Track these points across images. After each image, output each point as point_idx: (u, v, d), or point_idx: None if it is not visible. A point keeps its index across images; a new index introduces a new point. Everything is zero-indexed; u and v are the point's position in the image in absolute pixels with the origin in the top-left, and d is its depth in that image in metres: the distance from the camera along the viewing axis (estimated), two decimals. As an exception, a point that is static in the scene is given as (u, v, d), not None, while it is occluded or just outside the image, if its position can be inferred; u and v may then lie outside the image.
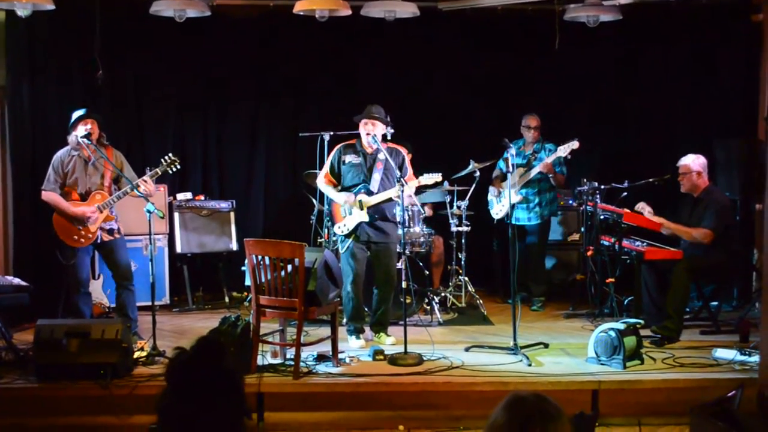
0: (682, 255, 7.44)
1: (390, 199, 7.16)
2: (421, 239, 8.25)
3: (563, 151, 8.46)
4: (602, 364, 6.44)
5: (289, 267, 6.24)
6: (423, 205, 8.48)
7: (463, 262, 8.75)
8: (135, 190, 7.00)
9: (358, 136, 7.33)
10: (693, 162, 7.59)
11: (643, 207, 7.75)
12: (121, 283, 7.30)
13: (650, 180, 8.12)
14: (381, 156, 7.19)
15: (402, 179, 6.87)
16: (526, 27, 9.40)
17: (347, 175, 7.30)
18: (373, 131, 7.15)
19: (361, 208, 7.15)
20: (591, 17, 8.47)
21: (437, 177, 7.24)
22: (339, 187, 7.34)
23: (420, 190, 7.81)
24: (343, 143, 7.46)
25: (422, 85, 9.73)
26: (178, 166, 7.32)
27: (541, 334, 7.56)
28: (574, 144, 8.41)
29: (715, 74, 9.31)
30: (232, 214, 9.30)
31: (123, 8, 8.69)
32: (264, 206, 9.84)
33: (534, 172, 8.59)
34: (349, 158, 7.30)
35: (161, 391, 2.61)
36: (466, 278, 8.77)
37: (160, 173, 7.24)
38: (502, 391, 5.80)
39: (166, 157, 7.25)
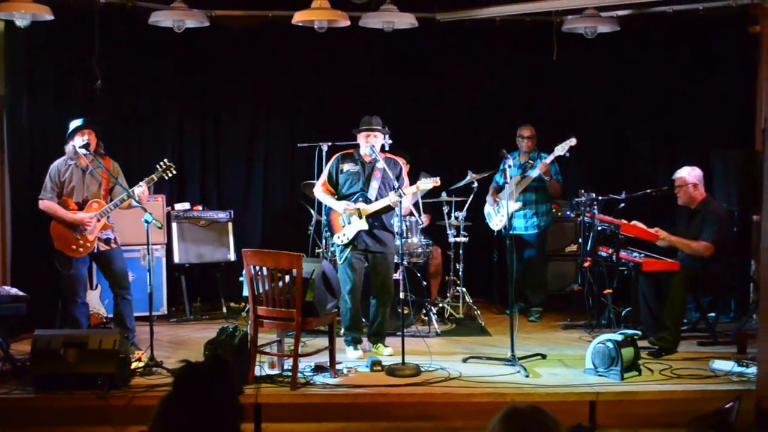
0: (680, 266, 7.43)
1: (388, 208, 7.16)
2: (419, 250, 8.24)
3: (561, 149, 8.48)
4: (600, 375, 6.43)
5: (287, 277, 6.23)
6: (420, 215, 8.48)
7: (460, 273, 8.75)
8: (132, 199, 7.00)
9: (356, 145, 7.34)
10: (688, 174, 7.60)
11: (635, 224, 7.76)
12: (118, 293, 7.30)
13: (648, 191, 8.13)
14: (379, 165, 7.19)
15: (400, 189, 6.89)
16: (525, 38, 9.43)
17: (345, 184, 7.31)
18: (374, 142, 7.17)
19: (360, 217, 7.15)
20: (589, 28, 8.51)
21: (435, 181, 7.23)
22: (336, 196, 7.35)
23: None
24: (341, 152, 7.46)
25: (420, 96, 9.76)
26: (174, 172, 7.30)
27: (539, 345, 7.55)
28: (572, 141, 8.44)
29: (712, 85, 9.32)
30: (230, 225, 9.30)
31: (122, 18, 8.72)
32: (262, 217, 9.85)
33: (533, 174, 8.60)
34: (347, 167, 7.31)
35: (164, 397, 2.63)
36: (464, 289, 8.77)
37: (156, 179, 7.24)
38: (499, 402, 5.82)
39: (162, 163, 7.24)
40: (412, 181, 7.35)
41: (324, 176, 7.44)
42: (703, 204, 7.58)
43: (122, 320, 7.24)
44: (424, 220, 8.80)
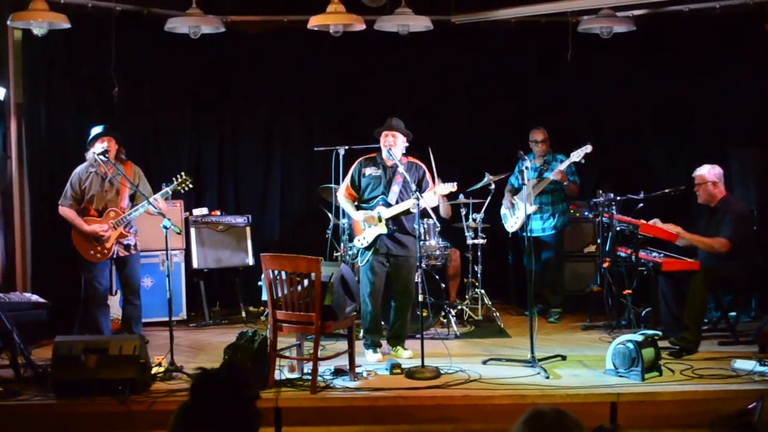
0: (700, 266, 7.40)
1: (408, 212, 7.15)
2: (437, 252, 8.23)
3: (577, 155, 8.45)
4: (620, 376, 6.40)
5: (306, 281, 6.24)
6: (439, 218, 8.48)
7: (479, 275, 8.74)
8: (151, 206, 7.04)
9: (378, 149, 7.33)
10: (708, 172, 7.56)
11: (655, 222, 7.73)
12: (128, 297, 7.41)
13: (666, 191, 8.09)
14: (401, 169, 7.18)
15: (417, 192, 6.86)
16: (540, 39, 9.41)
17: (367, 188, 7.31)
18: (393, 143, 7.16)
19: (380, 221, 7.15)
20: (605, 29, 8.49)
21: (452, 186, 7.22)
22: (358, 201, 7.35)
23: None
24: (364, 156, 7.47)
25: (436, 98, 9.75)
26: (190, 185, 7.37)
27: (559, 346, 7.53)
28: (587, 148, 8.40)
29: (729, 83, 9.27)
30: (248, 229, 9.33)
31: (138, 25, 8.77)
32: (280, 221, 9.87)
33: (550, 177, 8.57)
34: (370, 171, 7.32)
35: (181, 405, 2.65)
36: (483, 291, 8.76)
37: (171, 192, 7.30)
38: (520, 404, 5.83)
39: (179, 176, 7.31)
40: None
41: (347, 181, 7.44)
42: (723, 202, 7.53)
43: (129, 324, 7.32)
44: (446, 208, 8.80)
